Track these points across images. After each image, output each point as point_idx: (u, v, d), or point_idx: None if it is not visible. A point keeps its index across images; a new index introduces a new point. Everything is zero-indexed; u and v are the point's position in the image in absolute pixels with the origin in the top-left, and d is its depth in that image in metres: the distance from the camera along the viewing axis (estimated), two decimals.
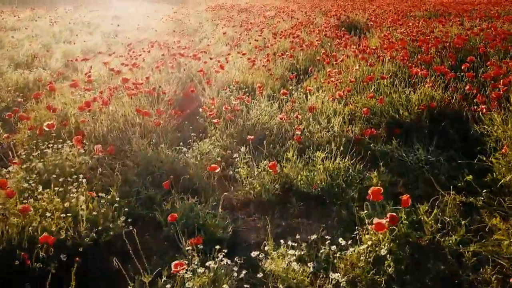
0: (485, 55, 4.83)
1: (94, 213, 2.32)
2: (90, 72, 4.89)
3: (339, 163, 2.95)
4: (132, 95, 3.79)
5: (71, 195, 2.40)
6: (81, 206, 2.28)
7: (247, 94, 4.61)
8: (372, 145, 3.52)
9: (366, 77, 4.44)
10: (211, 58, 5.83)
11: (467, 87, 3.92)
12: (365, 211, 2.32)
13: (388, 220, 2.01)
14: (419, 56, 5.02)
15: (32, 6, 16.50)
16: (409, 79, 4.43)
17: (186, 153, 3.13)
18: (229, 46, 9.42)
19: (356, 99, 4.24)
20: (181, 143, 3.37)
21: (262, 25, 12.20)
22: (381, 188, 2.19)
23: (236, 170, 3.02)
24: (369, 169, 3.15)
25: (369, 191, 2.18)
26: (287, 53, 6.79)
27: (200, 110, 4.08)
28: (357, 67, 4.73)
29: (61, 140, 3.09)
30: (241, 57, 6.16)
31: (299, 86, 5.56)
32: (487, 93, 3.78)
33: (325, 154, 3.01)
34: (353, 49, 5.93)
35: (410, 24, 8.41)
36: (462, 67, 4.26)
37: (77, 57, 6.73)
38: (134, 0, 24.78)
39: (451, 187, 2.60)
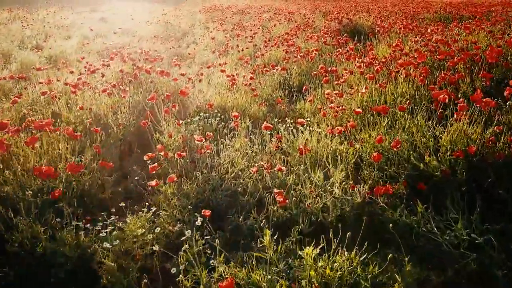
0: None
1: None
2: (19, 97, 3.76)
3: (341, 264, 1.87)
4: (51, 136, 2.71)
5: None
6: None
7: (222, 123, 3.54)
8: (388, 213, 2.44)
9: (375, 104, 3.36)
10: (182, 75, 4.74)
11: None
12: None
13: None
14: (442, 74, 3.93)
15: (11, 7, 15.45)
16: (433, 107, 3.34)
17: (106, 238, 2.04)
18: (217, 53, 8.36)
19: (364, 136, 3.16)
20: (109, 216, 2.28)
21: (256, 28, 11.13)
22: None
23: (179, 269, 1.93)
24: (385, 260, 2.06)
25: None
26: (279, 64, 5.72)
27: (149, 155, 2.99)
28: (364, 91, 3.65)
29: None
30: (220, 74, 5.07)
31: (290, 108, 4.49)
32: None
33: (320, 246, 1.93)
34: (358, 62, 4.84)
35: (423, 29, 7.32)
36: (505, 94, 3.16)
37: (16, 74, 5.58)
38: (135, 0, 23.82)
39: None
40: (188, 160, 2.82)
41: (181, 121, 3.33)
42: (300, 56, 5.36)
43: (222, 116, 3.78)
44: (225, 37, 9.26)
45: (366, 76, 4.11)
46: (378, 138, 2.78)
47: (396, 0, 24.43)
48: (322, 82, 4.51)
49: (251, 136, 3.29)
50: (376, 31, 8.25)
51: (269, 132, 3.21)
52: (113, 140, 3.17)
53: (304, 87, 4.48)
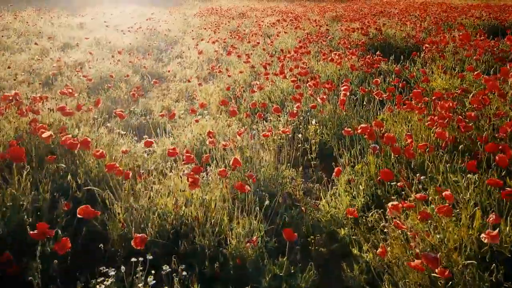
0: None
1: None
2: None
3: None
4: None
5: None
6: None
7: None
8: None
9: None
10: (124, 152, 2.70)
11: None
12: None
13: None
14: None
15: None
16: None
17: None
18: (202, 75, 6.33)
19: None
20: None
21: (257, 37, 9.08)
22: None
23: None
24: None
25: None
26: (286, 108, 3.68)
27: None
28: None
29: None
30: (191, 132, 3.03)
31: (309, 210, 2.44)
32: None
33: None
34: (424, 117, 2.78)
35: (479, 41, 5.22)
36: None
37: None
38: (129, 2, 21.81)
39: None
40: None
41: None
42: (321, 98, 3.27)
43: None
44: (216, 51, 7.21)
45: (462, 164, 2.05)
46: None
47: (406, 1, 22.31)
48: (368, 154, 2.46)
49: None
50: (415, 46, 6.18)
51: None
52: None
53: (335, 172, 2.40)
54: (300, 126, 3.49)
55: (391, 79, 4.48)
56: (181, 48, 9.11)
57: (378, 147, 2.41)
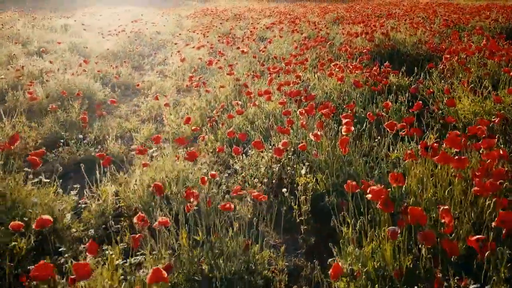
0: None
1: None
2: None
3: None
4: None
5: None
6: None
7: None
8: None
9: None
10: None
11: None
12: None
13: None
14: None
15: None
16: None
17: None
18: (180, 90, 5.48)
19: None
20: None
21: (250, 40, 8.21)
22: None
23: None
24: None
25: None
26: (271, 139, 2.83)
27: None
28: None
29: None
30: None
31: None
32: None
33: None
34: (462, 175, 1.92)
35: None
36: None
37: None
38: (127, 3, 20.94)
39: None
40: None
41: None
42: (315, 134, 2.37)
43: None
44: (200, 58, 6.34)
45: None
46: None
47: (410, 2, 21.37)
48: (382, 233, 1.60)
49: None
50: (428, 52, 5.31)
51: None
52: None
53: (332, 270, 1.54)
54: (288, 168, 2.63)
55: (403, 97, 3.62)
56: (166, 54, 8.26)
57: (398, 231, 1.54)
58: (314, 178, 2.34)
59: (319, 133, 2.30)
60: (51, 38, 9.70)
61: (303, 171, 2.28)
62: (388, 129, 2.51)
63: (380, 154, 2.58)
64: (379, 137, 2.79)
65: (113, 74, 5.94)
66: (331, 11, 16.04)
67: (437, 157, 1.83)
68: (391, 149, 2.71)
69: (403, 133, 2.50)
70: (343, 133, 2.32)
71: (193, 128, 3.45)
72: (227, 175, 2.71)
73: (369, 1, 24.18)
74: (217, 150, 2.92)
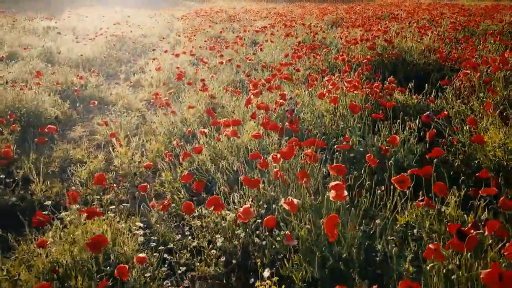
0: None
1: None
2: None
3: None
4: None
5: None
6: None
7: None
8: None
9: None
10: None
11: None
12: None
13: None
14: None
15: None
16: None
17: None
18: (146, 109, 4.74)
19: None
20: None
21: (237, 45, 7.44)
22: None
23: None
24: None
25: None
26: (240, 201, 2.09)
27: None
28: None
29: None
30: None
31: None
32: None
33: None
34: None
35: None
36: None
37: None
38: (122, 3, 20.21)
39: None
40: None
41: None
42: (288, 203, 1.60)
43: None
44: (177, 67, 5.58)
45: None
46: None
47: (412, 2, 20.56)
48: None
49: None
50: (433, 59, 4.56)
51: None
52: None
53: None
54: (257, 239, 1.88)
55: (412, 123, 2.86)
56: (147, 60, 7.50)
57: None
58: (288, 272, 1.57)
59: (295, 201, 1.53)
60: (27, 42, 8.94)
61: (266, 273, 1.50)
62: (397, 186, 1.76)
63: (384, 220, 1.83)
64: (382, 188, 2.04)
65: (77, 86, 5.19)
66: (331, 12, 15.27)
67: (487, 272, 1.07)
68: (399, 207, 1.96)
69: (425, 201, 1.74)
70: (331, 198, 1.57)
71: (145, 164, 2.71)
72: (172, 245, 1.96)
73: (370, 1, 23.43)
74: (165, 203, 2.16)
